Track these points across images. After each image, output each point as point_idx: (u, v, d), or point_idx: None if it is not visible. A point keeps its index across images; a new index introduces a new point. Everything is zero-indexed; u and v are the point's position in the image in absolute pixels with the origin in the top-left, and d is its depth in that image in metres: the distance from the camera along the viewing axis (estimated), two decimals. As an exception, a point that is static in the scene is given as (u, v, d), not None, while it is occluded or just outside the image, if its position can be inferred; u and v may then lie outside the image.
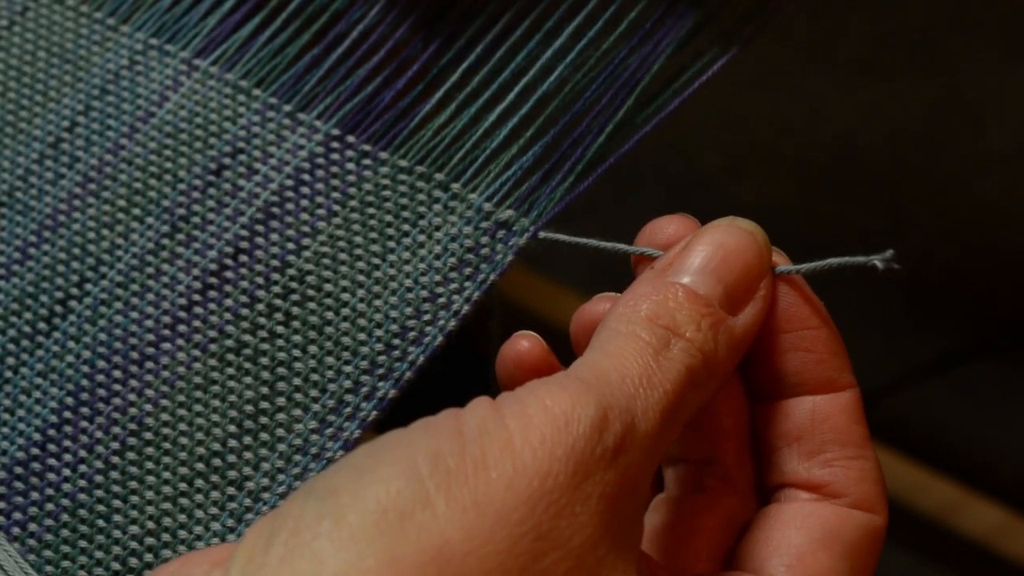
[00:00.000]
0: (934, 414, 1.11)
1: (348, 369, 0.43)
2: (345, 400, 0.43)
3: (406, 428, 0.33)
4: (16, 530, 0.42)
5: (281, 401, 0.43)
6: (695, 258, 0.37)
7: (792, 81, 1.20)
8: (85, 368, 0.44)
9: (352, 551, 0.30)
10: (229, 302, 0.45)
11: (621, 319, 0.36)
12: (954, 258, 1.17)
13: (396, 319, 0.43)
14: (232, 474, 0.42)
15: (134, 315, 0.45)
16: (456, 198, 0.45)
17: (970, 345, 1.13)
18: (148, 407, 0.44)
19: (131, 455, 0.43)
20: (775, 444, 0.38)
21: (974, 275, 1.16)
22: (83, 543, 0.42)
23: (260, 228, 0.46)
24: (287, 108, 0.48)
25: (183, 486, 0.42)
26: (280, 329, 0.44)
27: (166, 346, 0.44)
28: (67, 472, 0.43)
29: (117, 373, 0.44)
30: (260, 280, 0.45)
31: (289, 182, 0.46)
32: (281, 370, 0.43)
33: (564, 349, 0.40)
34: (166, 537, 0.42)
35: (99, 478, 0.43)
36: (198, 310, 0.45)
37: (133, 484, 0.43)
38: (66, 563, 0.42)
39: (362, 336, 0.43)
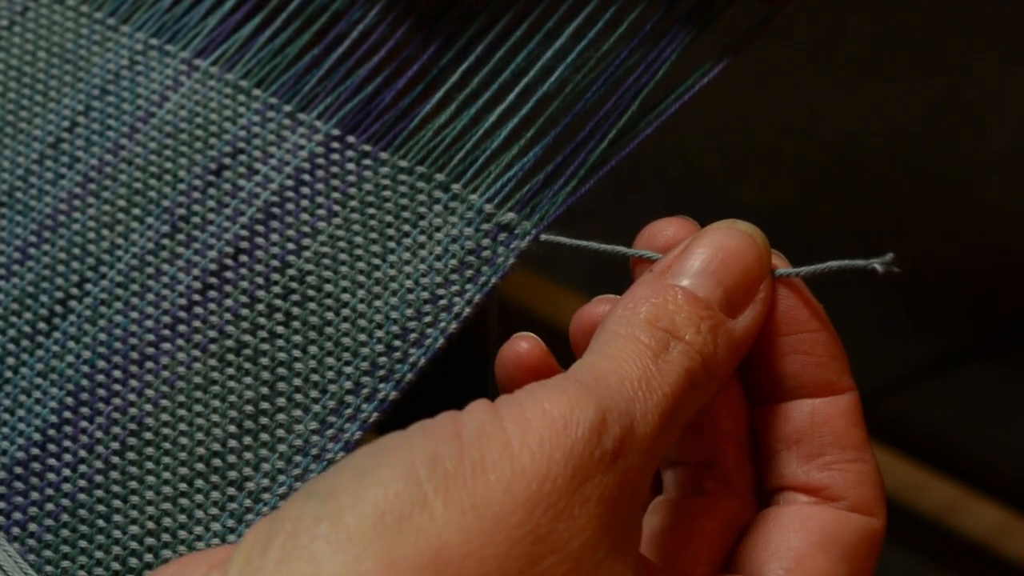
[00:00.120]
0: (934, 414, 1.11)
1: (349, 370, 0.43)
2: (346, 401, 0.43)
3: (405, 431, 0.33)
4: (16, 530, 0.42)
5: (281, 402, 0.43)
6: (694, 261, 0.37)
7: (792, 81, 1.20)
8: (85, 368, 0.44)
9: (350, 553, 0.30)
10: (229, 302, 0.45)
11: (620, 322, 0.36)
12: (954, 258, 1.17)
13: (397, 320, 0.43)
14: (232, 474, 0.42)
15: (134, 315, 0.45)
16: (456, 199, 0.45)
17: (970, 345, 1.13)
18: (148, 407, 0.44)
19: (131, 455, 0.43)
20: (774, 447, 0.38)
21: (974, 275, 1.16)
22: (83, 543, 0.42)
23: (260, 228, 0.46)
24: (287, 108, 0.48)
25: (183, 486, 0.42)
26: (280, 329, 0.44)
27: (166, 346, 0.44)
28: (67, 472, 0.43)
29: (117, 373, 0.44)
30: (260, 280, 0.45)
31: (289, 182, 0.46)
32: (281, 370, 0.43)
33: (564, 350, 0.40)
34: (166, 537, 0.42)
35: (99, 478, 0.43)
36: (198, 310, 0.45)
37: (133, 484, 0.43)
38: (66, 563, 0.42)
39: (363, 337, 0.43)
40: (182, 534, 0.42)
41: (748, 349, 0.37)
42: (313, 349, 0.44)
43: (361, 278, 0.44)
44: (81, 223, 0.47)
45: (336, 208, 0.46)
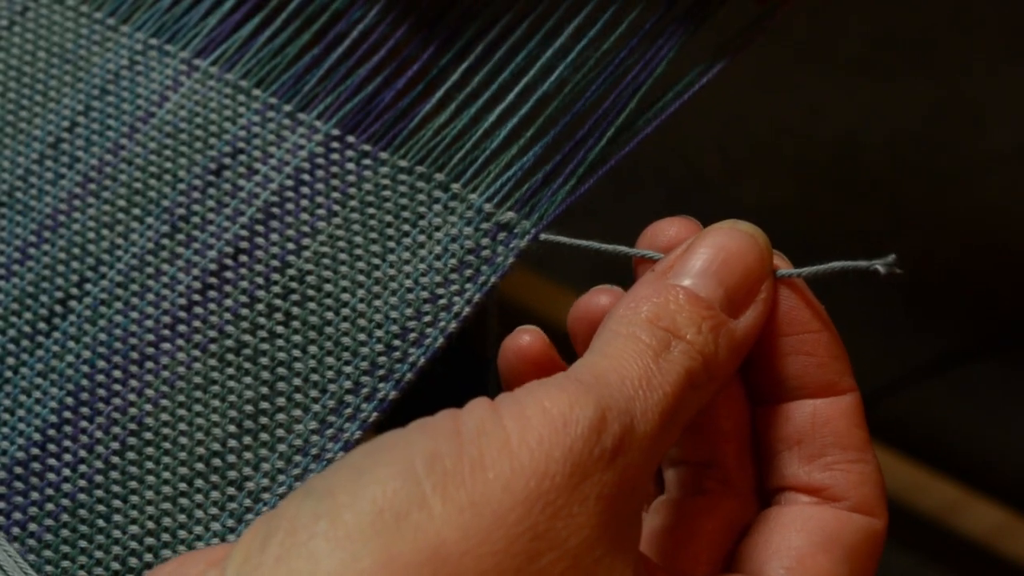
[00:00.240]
0: (934, 414, 1.11)
1: (348, 370, 0.43)
2: (345, 401, 0.43)
3: (404, 428, 0.33)
4: (16, 530, 0.42)
5: (281, 401, 0.43)
6: (696, 261, 0.37)
7: (792, 81, 1.20)
8: (85, 368, 0.44)
9: (348, 551, 0.30)
10: (229, 302, 0.45)
11: (621, 321, 0.36)
12: (954, 258, 1.17)
13: (396, 320, 0.43)
14: (232, 474, 0.42)
15: (134, 315, 0.45)
16: (456, 198, 0.45)
17: (970, 345, 1.13)
18: (148, 407, 0.44)
19: (131, 455, 0.43)
20: (775, 447, 0.38)
21: (974, 275, 1.16)
22: (83, 543, 0.42)
23: (260, 228, 0.46)
24: (287, 108, 0.48)
25: (183, 486, 0.42)
26: (280, 329, 0.44)
27: (166, 346, 0.44)
28: (67, 472, 0.43)
29: (117, 373, 0.44)
30: (260, 280, 0.45)
31: (289, 182, 0.46)
32: (281, 370, 0.43)
33: (564, 350, 0.40)
34: (166, 537, 0.42)
35: (99, 478, 0.43)
36: (198, 310, 0.45)
37: (133, 484, 0.43)
38: (66, 563, 0.42)
39: (362, 337, 0.43)
40: (182, 534, 0.42)
41: (749, 349, 0.37)
42: (313, 349, 0.44)
43: (361, 278, 0.44)
44: (81, 223, 0.47)
45: (336, 208, 0.46)
